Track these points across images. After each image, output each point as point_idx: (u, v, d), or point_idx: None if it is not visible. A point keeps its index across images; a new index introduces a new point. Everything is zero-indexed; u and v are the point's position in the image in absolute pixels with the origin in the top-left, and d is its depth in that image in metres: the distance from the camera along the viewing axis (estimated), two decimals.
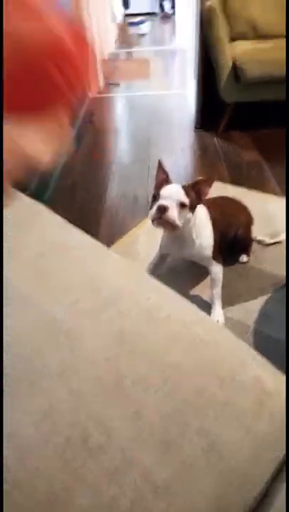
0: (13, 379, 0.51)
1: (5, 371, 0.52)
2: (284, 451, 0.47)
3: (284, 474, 0.45)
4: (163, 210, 1.01)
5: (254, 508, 0.44)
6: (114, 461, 0.43)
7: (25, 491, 0.41)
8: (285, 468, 0.47)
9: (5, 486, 0.42)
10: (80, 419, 0.47)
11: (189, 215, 1.07)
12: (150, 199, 1.10)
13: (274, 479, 0.45)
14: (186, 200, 1.02)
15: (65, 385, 0.50)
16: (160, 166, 1.13)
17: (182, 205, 1.03)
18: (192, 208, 1.07)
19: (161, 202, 1.02)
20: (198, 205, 1.11)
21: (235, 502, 0.42)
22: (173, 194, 1.03)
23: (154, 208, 1.02)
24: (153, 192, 1.08)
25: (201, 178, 1.12)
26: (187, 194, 1.03)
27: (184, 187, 1.05)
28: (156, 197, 1.05)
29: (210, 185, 1.09)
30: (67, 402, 0.48)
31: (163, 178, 1.12)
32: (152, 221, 1.04)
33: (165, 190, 1.04)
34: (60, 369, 0.52)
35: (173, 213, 1.01)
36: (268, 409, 0.49)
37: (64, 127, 0.42)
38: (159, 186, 1.08)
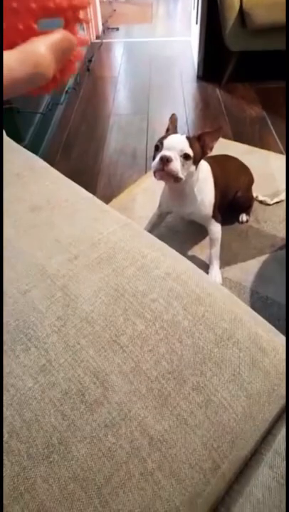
0: (10, 333, 0.51)
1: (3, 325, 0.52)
2: (276, 411, 0.48)
3: (273, 436, 0.46)
4: (165, 161, 0.95)
5: (244, 464, 0.45)
6: (111, 414, 0.44)
7: (22, 440, 0.42)
8: (274, 431, 0.48)
9: (4, 435, 0.42)
10: (77, 374, 0.47)
11: (193, 168, 1.01)
12: (152, 152, 1.04)
13: (264, 438, 0.47)
14: (190, 152, 0.97)
15: (62, 341, 0.50)
16: (173, 120, 1.07)
17: (186, 157, 0.97)
18: (196, 161, 1.02)
19: (164, 153, 0.96)
20: (202, 159, 1.06)
21: (227, 456, 0.43)
22: (177, 144, 0.97)
23: (157, 158, 0.97)
24: (156, 142, 1.02)
25: (207, 130, 1.06)
26: (191, 145, 0.98)
27: (188, 138, 0.99)
28: (158, 147, 1.00)
29: (216, 138, 1.03)
30: (64, 357, 0.48)
31: (168, 129, 1.06)
32: (154, 173, 0.99)
33: (168, 141, 0.98)
34: (57, 325, 0.51)
35: (176, 165, 0.96)
36: (263, 367, 0.49)
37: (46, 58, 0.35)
38: (162, 136, 1.02)
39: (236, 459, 0.44)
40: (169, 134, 1.01)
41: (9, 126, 1.54)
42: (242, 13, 2.19)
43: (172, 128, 1.08)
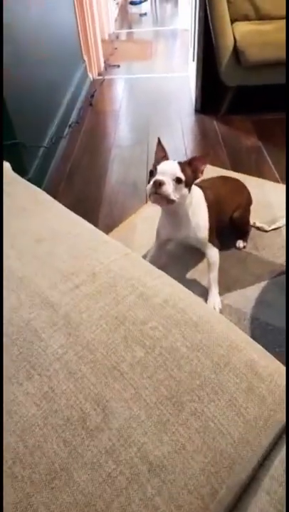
0: (13, 361, 0.53)
1: (7, 353, 0.53)
2: (272, 436, 0.49)
3: (270, 461, 0.47)
4: (158, 185, 1.03)
5: (243, 490, 0.46)
6: (112, 440, 0.45)
7: (26, 466, 0.43)
8: (271, 456, 0.49)
9: (7, 461, 0.44)
10: (78, 401, 0.49)
11: (185, 191, 1.09)
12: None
13: (261, 465, 0.47)
14: (182, 176, 1.06)
15: (64, 368, 0.52)
16: (159, 144, 1.16)
17: (178, 181, 1.06)
18: (188, 185, 1.09)
19: (158, 177, 1.05)
20: (194, 182, 1.13)
21: (225, 481, 0.44)
22: (169, 169, 1.06)
23: (151, 182, 1.05)
24: (151, 168, 1.10)
25: (197, 155, 1.14)
26: (183, 170, 1.07)
27: (180, 163, 1.07)
28: (153, 172, 1.08)
29: (205, 163, 1.12)
30: (67, 384, 0.50)
31: (161, 156, 1.14)
32: (149, 196, 1.07)
33: (162, 166, 1.07)
34: (60, 352, 0.53)
35: (168, 188, 1.05)
36: (259, 393, 0.51)
37: None
38: (156, 163, 1.10)
39: (234, 484, 0.44)
40: (162, 161, 1.09)
41: (15, 161, 1.60)
42: (236, 51, 2.31)
43: (160, 150, 1.15)
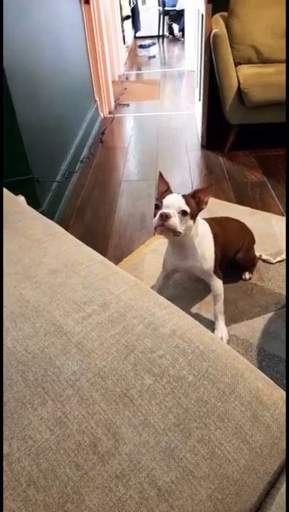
0: (29, 387, 0.55)
1: (22, 379, 0.56)
2: (278, 464, 0.50)
3: (276, 489, 0.48)
4: (165, 217, 1.08)
5: None
6: (122, 465, 0.47)
7: (39, 489, 0.45)
8: (276, 484, 0.50)
9: (21, 484, 0.45)
10: (90, 426, 0.51)
11: (190, 223, 1.14)
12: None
13: (268, 493, 0.48)
14: (187, 208, 1.10)
15: (76, 394, 0.54)
16: (161, 177, 1.21)
17: (183, 213, 1.10)
18: (193, 217, 1.14)
19: (164, 210, 1.09)
20: (198, 213, 1.18)
21: (232, 509, 0.45)
22: (174, 203, 1.11)
23: (157, 216, 1.09)
24: (155, 201, 1.14)
25: (200, 187, 1.18)
26: (188, 203, 1.11)
27: (184, 196, 1.12)
28: (158, 206, 1.12)
29: (209, 194, 1.17)
30: (79, 410, 0.52)
31: (165, 189, 1.19)
32: (155, 228, 1.11)
33: (167, 200, 1.12)
34: (72, 379, 0.56)
35: (174, 220, 1.09)
36: (264, 421, 0.52)
37: None
38: (161, 196, 1.15)
39: (241, 511, 0.45)
40: (165, 194, 1.13)
41: (29, 194, 1.68)
42: (240, 92, 2.43)
43: (162, 183, 1.20)
